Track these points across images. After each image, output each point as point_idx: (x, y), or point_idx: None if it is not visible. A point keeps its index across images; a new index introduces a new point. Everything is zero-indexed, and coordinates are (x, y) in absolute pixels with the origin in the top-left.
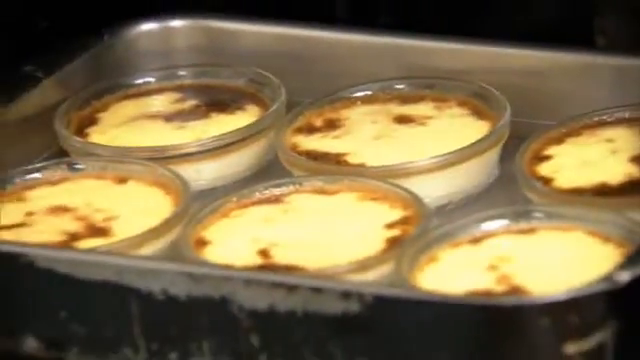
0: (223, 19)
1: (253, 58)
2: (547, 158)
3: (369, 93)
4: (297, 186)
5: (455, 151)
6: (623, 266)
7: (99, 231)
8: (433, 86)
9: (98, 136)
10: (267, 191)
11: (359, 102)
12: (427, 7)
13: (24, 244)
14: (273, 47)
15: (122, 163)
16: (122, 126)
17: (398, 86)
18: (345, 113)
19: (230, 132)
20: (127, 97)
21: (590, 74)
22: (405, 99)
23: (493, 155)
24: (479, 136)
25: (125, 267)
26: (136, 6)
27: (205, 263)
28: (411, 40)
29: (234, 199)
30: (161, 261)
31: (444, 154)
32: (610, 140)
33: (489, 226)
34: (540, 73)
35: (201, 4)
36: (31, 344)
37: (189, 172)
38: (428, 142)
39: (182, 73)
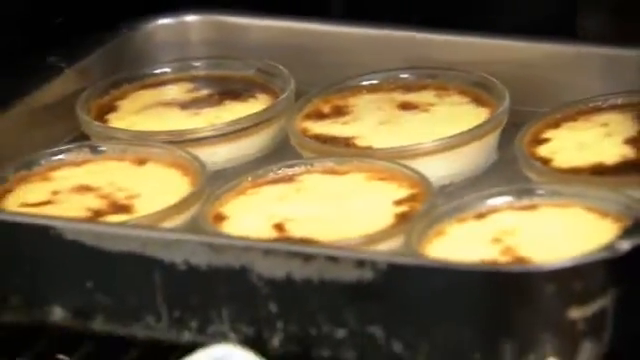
0: (234, 14)
1: (262, 50)
2: (545, 141)
3: (375, 82)
4: (309, 167)
5: (456, 135)
6: (623, 236)
7: (122, 208)
8: (435, 76)
9: (117, 122)
10: (280, 171)
11: (365, 90)
12: (427, 2)
13: (53, 217)
14: (281, 40)
15: (142, 146)
16: (140, 113)
17: (402, 76)
18: (352, 101)
19: (243, 117)
20: (144, 86)
21: (582, 64)
22: (408, 88)
23: (492, 140)
24: (478, 122)
25: (149, 239)
26: (153, 2)
27: (225, 234)
28: (414, 33)
29: (249, 178)
30: (183, 233)
31: (446, 137)
32: (605, 124)
33: (493, 202)
34: (535, 63)
35: (212, 0)
36: (58, 314)
37: (204, 155)
38: (430, 127)
39: (196, 64)
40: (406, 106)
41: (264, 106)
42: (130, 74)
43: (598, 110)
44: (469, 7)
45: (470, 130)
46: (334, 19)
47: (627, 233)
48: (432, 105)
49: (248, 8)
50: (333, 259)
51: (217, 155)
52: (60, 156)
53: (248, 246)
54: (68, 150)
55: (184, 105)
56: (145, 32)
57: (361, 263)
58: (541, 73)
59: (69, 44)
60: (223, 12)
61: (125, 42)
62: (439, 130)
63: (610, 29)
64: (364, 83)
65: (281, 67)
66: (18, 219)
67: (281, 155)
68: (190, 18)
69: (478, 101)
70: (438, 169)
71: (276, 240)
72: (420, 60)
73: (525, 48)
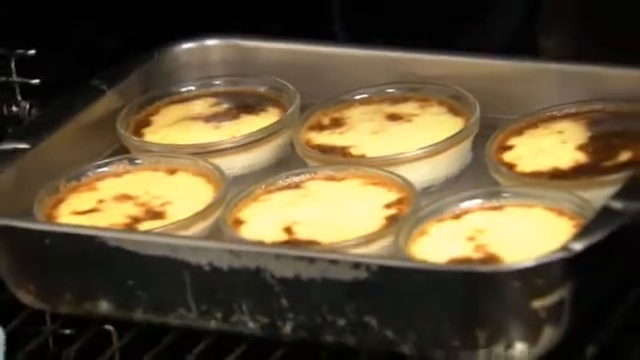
0: (248, 38)
1: (272, 69)
2: (510, 148)
3: (365, 96)
4: (312, 174)
5: (436, 143)
6: (576, 238)
7: (156, 214)
8: (417, 89)
9: (151, 135)
10: (288, 179)
11: (357, 104)
12: (412, 27)
13: (98, 228)
14: (288, 60)
15: (172, 157)
16: (170, 127)
17: (389, 90)
18: (347, 113)
19: (257, 131)
20: (173, 102)
21: (541, 78)
22: (395, 100)
23: (466, 145)
24: (455, 130)
25: (179, 245)
26: (179, 29)
27: (243, 241)
28: (399, 53)
29: (262, 186)
30: (208, 240)
31: (428, 146)
32: (560, 132)
33: (467, 204)
34: (501, 78)
35: (230, 27)
36: (105, 307)
37: (224, 163)
38: (414, 135)
39: (217, 82)
40: (393, 117)
41: (274, 118)
42: (161, 92)
43: (554, 118)
44: (447, 30)
45: (448, 138)
46: (333, 42)
47: (580, 234)
48: (415, 115)
49: (261, 33)
50: (334, 262)
51: (235, 164)
52: (104, 168)
53: (262, 252)
54: (110, 163)
55: (207, 119)
56: (173, 56)
57: (357, 265)
58: (507, 86)
59: (110, 68)
60: (239, 37)
61: (156, 65)
62: (422, 137)
63: (565, 48)
64: (357, 97)
65: (288, 84)
66: (71, 230)
67: (289, 162)
68: (210, 42)
69: (454, 111)
70: (421, 173)
71: (286, 243)
72: (404, 76)
73: (493, 65)
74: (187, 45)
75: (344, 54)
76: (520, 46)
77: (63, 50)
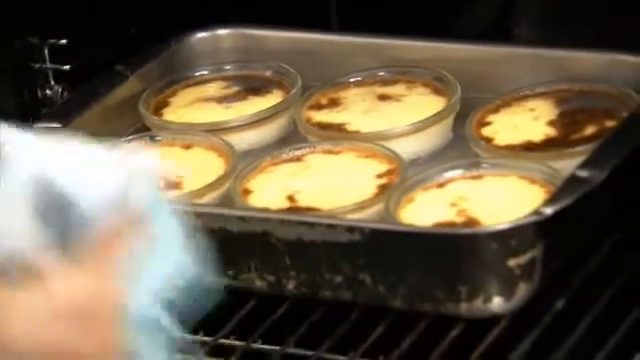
0: (255, 28)
1: (276, 55)
2: (488, 124)
3: (359, 79)
4: (312, 148)
5: (422, 120)
6: (547, 203)
7: (174, 185)
8: (405, 73)
9: (169, 115)
10: (291, 153)
11: (352, 85)
12: (400, 18)
13: None
14: (290, 47)
15: (187, 134)
16: (186, 107)
17: (379, 73)
18: (342, 94)
19: (263, 110)
20: (189, 86)
21: (515, 61)
22: (385, 82)
23: (449, 122)
24: (438, 109)
25: (196, 212)
26: (193, 20)
27: (251, 209)
28: (387, 40)
29: (268, 159)
30: (221, 207)
31: (414, 122)
32: (532, 109)
33: (450, 174)
34: (481, 61)
35: (238, 18)
36: None
37: (234, 140)
38: (402, 113)
39: (227, 67)
40: (383, 97)
41: (278, 99)
42: (178, 77)
43: (527, 97)
44: (431, 18)
45: (432, 116)
46: (330, 31)
47: (550, 200)
48: (403, 96)
49: (266, 23)
50: (331, 226)
51: (243, 140)
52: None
53: (268, 217)
54: (133, 139)
55: (219, 100)
56: (188, 44)
57: (352, 229)
58: (484, 68)
59: (133, 55)
60: (246, 26)
61: (173, 52)
62: (409, 115)
63: (536, 35)
64: (351, 80)
65: (291, 69)
66: None
67: (291, 138)
68: (221, 32)
69: (437, 92)
70: (409, 146)
71: (289, 210)
72: (393, 60)
73: (472, 50)
74: (201, 34)
75: (339, 42)
76: (496, 34)
77: (90, 39)
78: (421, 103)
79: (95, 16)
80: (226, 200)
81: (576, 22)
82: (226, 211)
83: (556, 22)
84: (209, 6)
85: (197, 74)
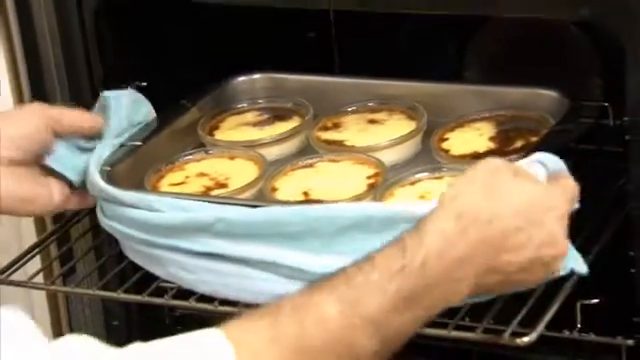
0: (278, 73)
1: (295, 92)
2: (446, 139)
3: (354, 108)
4: (320, 158)
5: (399, 137)
6: None
7: (222, 185)
8: (387, 104)
9: (219, 135)
10: (305, 161)
11: (349, 113)
12: (383, 60)
13: (184, 193)
14: (305, 86)
15: (232, 149)
16: (231, 130)
17: (369, 104)
18: (343, 119)
19: (285, 131)
20: (232, 114)
21: (466, 95)
22: (373, 110)
23: (418, 138)
24: (411, 129)
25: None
26: (235, 68)
27: (276, 201)
28: (374, 80)
29: (289, 166)
30: (254, 201)
31: (393, 138)
32: (478, 129)
33: (419, 176)
34: (441, 95)
35: (267, 65)
36: None
37: (265, 152)
38: (385, 133)
39: (260, 101)
40: (372, 121)
41: (296, 124)
42: (225, 108)
43: (474, 120)
44: (405, 63)
45: (406, 134)
46: (333, 75)
47: None
48: (386, 120)
49: (287, 70)
50: None
51: (271, 153)
52: (189, 156)
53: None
54: (193, 152)
55: (254, 124)
56: (232, 84)
57: None
58: (444, 100)
59: (194, 92)
60: (273, 72)
61: (222, 90)
62: (390, 134)
63: (481, 75)
64: (348, 109)
65: (305, 101)
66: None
67: (306, 151)
68: (256, 76)
69: (410, 117)
70: (390, 156)
71: (303, 202)
72: (378, 95)
73: (435, 87)
74: (241, 78)
75: (339, 82)
76: (452, 75)
77: (162, 81)
78: (398, 125)
79: (164, 66)
80: (259, 195)
81: (510, 66)
82: (259, 203)
83: (495, 67)
84: (246, 58)
85: (239, 106)
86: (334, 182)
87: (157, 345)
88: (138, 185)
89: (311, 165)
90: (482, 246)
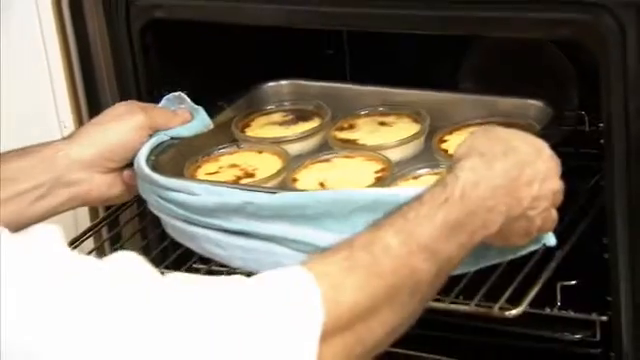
0: (301, 80)
1: (316, 96)
2: (445, 141)
3: (367, 112)
4: (336, 154)
5: (405, 138)
6: None
7: (250, 175)
8: (395, 109)
9: (250, 132)
10: (323, 157)
11: (363, 116)
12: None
13: (216, 181)
14: (324, 92)
15: (260, 144)
16: (261, 127)
17: (379, 109)
18: (357, 121)
19: (306, 130)
20: (262, 115)
21: (463, 103)
22: (383, 115)
23: (421, 139)
24: (416, 131)
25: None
26: (265, 76)
27: (295, 189)
28: (385, 88)
29: (309, 160)
30: (279, 189)
31: (400, 139)
32: (472, 132)
33: (421, 171)
34: (442, 103)
35: (292, 75)
36: None
37: (289, 148)
38: (394, 134)
39: (286, 104)
40: (382, 123)
41: (316, 124)
42: (256, 109)
43: (469, 125)
44: (412, 75)
45: (412, 135)
46: (348, 81)
47: None
48: (395, 123)
49: (309, 77)
50: None
51: (294, 148)
52: (222, 150)
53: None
54: (226, 147)
55: (280, 124)
56: (262, 89)
57: None
58: (445, 107)
59: (232, 93)
60: (298, 79)
61: (254, 94)
62: (397, 135)
63: (475, 85)
64: (362, 113)
65: (324, 104)
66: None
67: (324, 148)
68: (282, 82)
69: (415, 121)
70: (397, 154)
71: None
72: (388, 102)
73: (436, 95)
74: (270, 84)
75: (354, 89)
76: (449, 85)
77: (199, 88)
78: (405, 128)
79: (203, 75)
80: (282, 184)
81: (498, 78)
82: (278, 190)
83: (485, 78)
84: (274, 68)
85: (267, 108)
86: (347, 175)
87: (249, 280)
88: (179, 173)
89: (328, 160)
90: (507, 176)
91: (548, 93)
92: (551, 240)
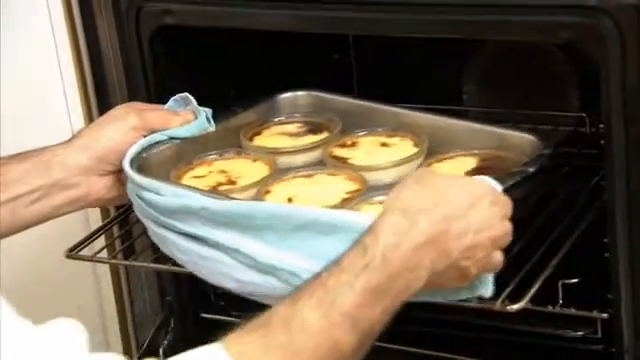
0: (316, 92)
1: (328, 109)
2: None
3: (374, 130)
4: (320, 170)
5: (401, 159)
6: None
7: (232, 182)
8: (395, 130)
9: (259, 141)
10: (305, 172)
11: (368, 135)
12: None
13: (180, 184)
14: (335, 105)
15: (256, 153)
16: (271, 136)
17: (379, 130)
18: (361, 140)
19: (306, 144)
20: (274, 125)
21: (459, 129)
22: (388, 135)
23: (416, 162)
24: (413, 152)
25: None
26: (281, 87)
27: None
28: (384, 107)
29: (292, 173)
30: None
31: (398, 160)
32: (464, 162)
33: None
34: (439, 127)
35: (306, 86)
36: None
37: (289, 160)
38: (389, 155)
39: (297, 115)
40: (384, 144)
41: (324, 138)
42: (269, 118)
43: (464, 155)
44: (411, 95)
45: (409, 156)
46: (355, 97)
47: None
48: (395, 144)
49: (315, 82)
50: None
51: (296, 160)
52: (219, 155)
53: None
54: (223, 152)
55: (290, 134)
56: (277, 100)
57: None
58: (441, 131)
59: (246, 101)
60: (312, 91)
61: (268, 104)
62: (392, 157)
63: (479, 92)
64: (363, 132)
65: (335, 117)
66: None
67: (324, 162)
68: (299, 93)
69: (415, 144)
70: (393, 174)
71: None
72: (388, 122)
73: (434, 119)
74: (284, 95)
75: (362, 104)
76: (451, 91)
77: (204, 94)
78: (404, 149)
79: (209, 81)
80: (256, 195)
81: (501, 81)
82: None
83: (490, 80)
84: (281, 73)
85: (280, 118)
86: (317, 193)
87: None
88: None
89: (310, 176)
90: (431, 231)
91: (548, 95)
92: (488, 291)
